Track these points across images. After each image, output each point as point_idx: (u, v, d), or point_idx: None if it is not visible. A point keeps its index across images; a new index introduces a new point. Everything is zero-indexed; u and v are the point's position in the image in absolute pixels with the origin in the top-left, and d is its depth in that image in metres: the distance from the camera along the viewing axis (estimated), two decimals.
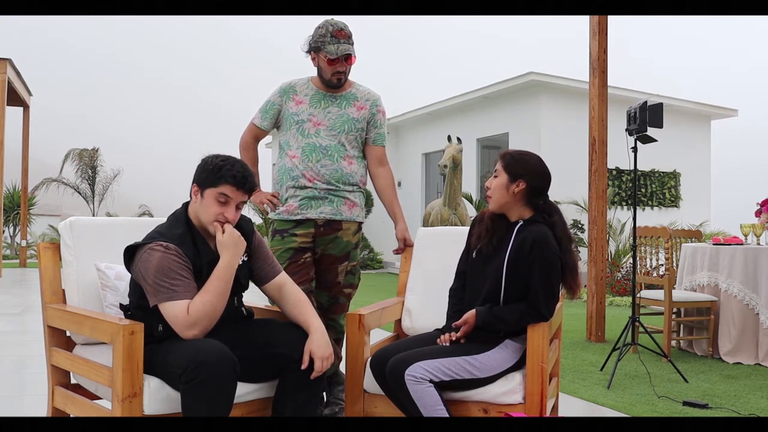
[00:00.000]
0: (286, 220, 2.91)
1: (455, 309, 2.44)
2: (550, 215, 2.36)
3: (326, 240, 2.93)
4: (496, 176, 2.38)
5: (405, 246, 3.04)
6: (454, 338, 2.30)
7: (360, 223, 3.03)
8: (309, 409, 2.16)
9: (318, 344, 2.14)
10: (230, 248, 2.10)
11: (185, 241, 2.11)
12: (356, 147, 3.00)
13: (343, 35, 2.85)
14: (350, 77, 2.99)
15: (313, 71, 2.99)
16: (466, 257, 2.52)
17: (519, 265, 2.28)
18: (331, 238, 2.93)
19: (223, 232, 2.11)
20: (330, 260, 2.95)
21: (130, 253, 2.12)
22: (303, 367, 2.11)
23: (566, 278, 2.31)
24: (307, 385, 2.15)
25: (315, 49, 2.90)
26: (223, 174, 2.10)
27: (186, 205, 2.21)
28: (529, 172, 2.34)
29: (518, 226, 2.34)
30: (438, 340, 2.32)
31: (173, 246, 2.05)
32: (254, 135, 3.07)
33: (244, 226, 2.28)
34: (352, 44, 2.89)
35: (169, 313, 2.01)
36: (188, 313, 1.99)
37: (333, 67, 2.87)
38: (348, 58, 2.87)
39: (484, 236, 2.39)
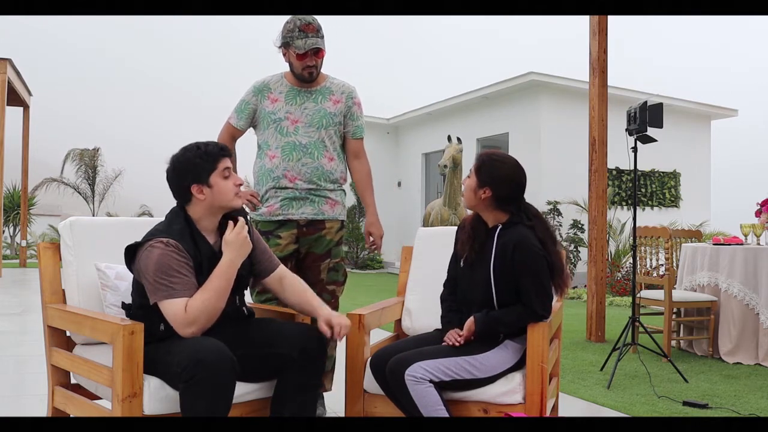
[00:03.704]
0: (268, 221, 2.92)
1: (448, 314, 2.44)
2: (528, 219, 2.33)
3: (310, 239, 2.95)
4: (469, 176, 2.37)
5: (373, 240, 3.06)
6: (457, 342, 2.29)
7: (342, 221, 3.04)
8: (308, 409, 2.16)
9: (331, 313, 2.23)
10: (235, 247, 2.10)
11: (184, 237, 2.11)
12: (336, 142, 3.00)
13: (311, 29, 2.84)
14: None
15: (286, 66, 3.00)
16: (454, 265, 2.52)
17: (504, 270, 2.27)
18: (315, 237, 2.95)
19: (234, 229, 2.12)
20: (312, 258, 2.97)
21: (131, 253, 2.12)
22: (327, 335, 2.18)
23: (554, 278, 2.30)
24: (306, 385, 2.15)
25: (285, 44, 2.90)
26: (212, 155, 2.14)
27: (181, 203, 2.20)
28: (495, 181, 2.30)
29: (497, 231, 2.33)
30: (446, 338, 2.31)
31: (173, 241, 2.05)
32: (231, 134, 3.05)
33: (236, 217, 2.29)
34: (322, 38, 2.87)
35: (167, 311, 2.01)
36: (186, 311, 1.99)
37: (303, 62, 2.87)
38: (317, 52, 2.87)
39: (467, 242, 2.38)
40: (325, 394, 3.05)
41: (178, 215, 2.17)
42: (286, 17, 2.93)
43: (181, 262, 2.04)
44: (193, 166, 2.12)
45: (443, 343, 2.30)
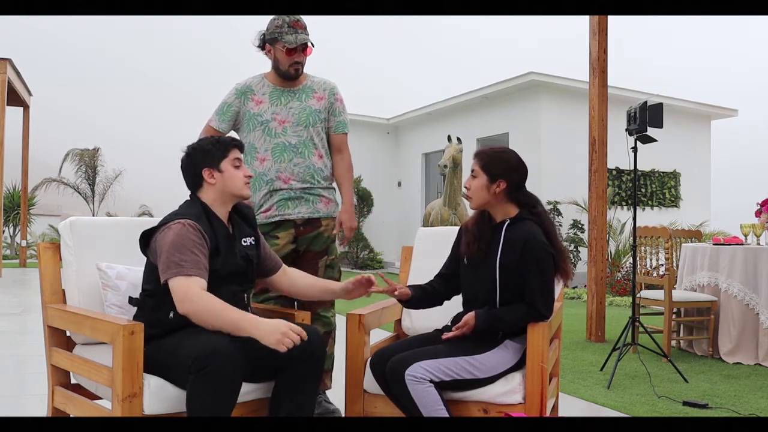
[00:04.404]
0: (265, 224, 2.92)
1: (422, 287, 2.47)
2: (533, 207, 2.35)
3: (308, 238, 2.97)
4: (474, 177, 2.36)
5: (345, 231, 3.02)
6: (447, 337, 2.29)
7: (336, 218, 3.06)
8: (304, 408, 2.16)
9: (349, 280, 2.43)
10: (269, 331, 1.96)
11: (201, 219, 2.16)
12: (323, 139, 3.03)
13: (300, 26, 2.89)
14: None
15: (266, 68, 3.02)
16: (451, 264, 2.52)
17: (511, 265, 2.27)
18: (313, 235, 2.97)
19: (294, 328, 2.07)
20: (311, 255, 2.99)
21: (147, 238, 2.17)
22: (368, 283, 2.37)
23: (558, 266, 2.30)
24: (305, 385, 2.15)
25: (271, 41, 2.92)
26: (224, 143, 2.26)
27: (194, 190, 2.27)
28: (508, 171, 2.33)
29: (505, 225, 2.33)
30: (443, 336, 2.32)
31: (191, 221, 2.11)
32: (211, 133, 2.98)
33: (246, 212, 2.36)
34: (308, 35, 2.92)
35: (174, 287, 2.02)
36: (197, 290, 2.00)
37: (291, 58, 2.90)
38: (305, 49, 2.91)
39: (473, 243, 2.37)
40: (326, 393, 3.05)
41: (193, 202, 2.24)
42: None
43: (196, 242, 2.07)
44: (206, 152, 2.24)
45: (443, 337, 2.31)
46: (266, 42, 2.94)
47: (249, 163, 2.97)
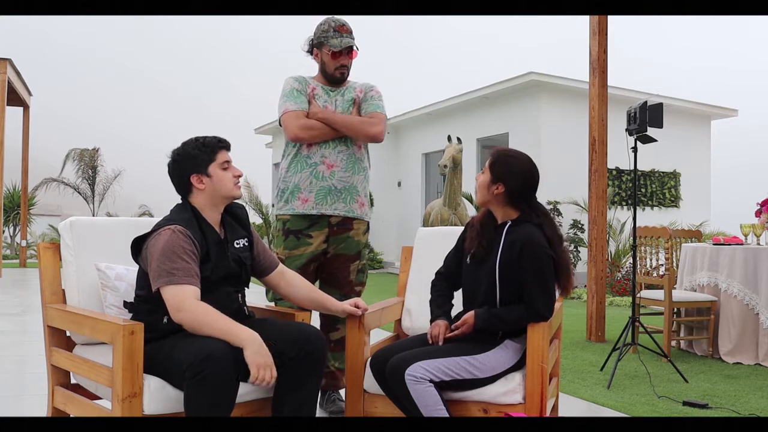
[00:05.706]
0: (302, 216, 2.93)
1: (438, 298, 2.47)
2: (537, 216, 2.33)
3: (339, 239, 3.00)
4: (483, 172, 2.38)
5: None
6: (447, 336, 2.29)
7: (368, 223, 3.11)
8: (306, 408, 2.16)
9: (346, 301, 2.44)
10: (254, 350, 1.98)
11: (191, 224, 2.15)
12: None
13: (345, 30, 2.97)
14: (350, 75, 3.08)
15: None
16: (454, 259, 2.52)
17: (510, 267, 2.27)
18: (344, 237, 3.00)
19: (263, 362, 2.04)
20: (343, 259, 3.02)
21: (138, 245, 2.16)
22: (359, 313, 2.37)
23: (559, 278, 2.30)
24: (305, 385, 2.15)
25: (318, 45, 3.00)
26: (210, 146, 2.22)
27: (184, 195, 2.25)
28: (509, 176, 2.31)
29: (506, 227, 2.34)
30: (429, 336, 2.32)
31: (181, 227, 2.09)
32: (303, 116, 2.91)
33: (239, 212, 2.34)
34: (353, 39, 3.00)
35: (166, 295, 2.03)
36: (188, 300, 2.00)
37: (337, 61, 2.97)
38: (350, 52, 2.98)
39: (475, 239, 2.39)
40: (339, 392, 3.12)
41: (184, 207, 2.23)
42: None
43: (186, 249, 2.07)
44: (192, 158, 2.21)
45: (431, 343, 2.31)
46: (313, 46, 3.02)
47: (294, 146, 3.00)
